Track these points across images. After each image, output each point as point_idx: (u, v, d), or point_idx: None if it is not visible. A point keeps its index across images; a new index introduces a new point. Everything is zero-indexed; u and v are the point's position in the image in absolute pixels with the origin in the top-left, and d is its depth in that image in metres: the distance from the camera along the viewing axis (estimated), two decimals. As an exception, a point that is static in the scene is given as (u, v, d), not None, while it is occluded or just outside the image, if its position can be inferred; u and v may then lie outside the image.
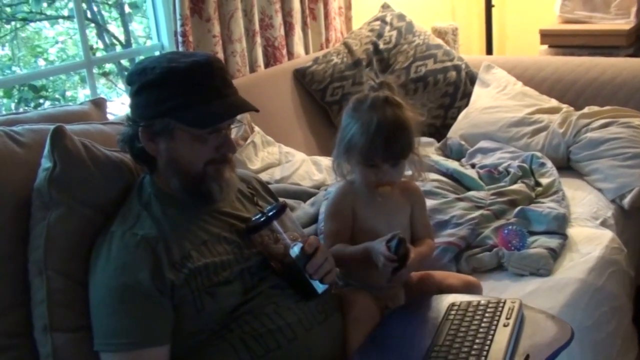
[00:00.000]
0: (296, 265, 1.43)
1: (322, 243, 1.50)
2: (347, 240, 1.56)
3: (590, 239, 2.08)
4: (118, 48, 3.89)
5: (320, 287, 1.45)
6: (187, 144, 1.40)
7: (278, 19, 2.93)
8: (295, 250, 1.43)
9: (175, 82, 1.38)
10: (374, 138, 1.46)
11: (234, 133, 1.49)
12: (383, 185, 1.51)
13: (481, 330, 1.34)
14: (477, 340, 1.30)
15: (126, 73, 1.52)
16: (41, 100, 3.57)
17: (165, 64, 1.39)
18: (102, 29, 3.82)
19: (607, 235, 2.12)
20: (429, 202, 2.04)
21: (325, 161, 2.59)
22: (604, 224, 2.22)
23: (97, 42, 3.82)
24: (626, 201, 2.33)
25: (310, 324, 1.42)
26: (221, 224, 1.47)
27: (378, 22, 3.22)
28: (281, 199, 1.68)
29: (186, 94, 1.38)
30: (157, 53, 2.77)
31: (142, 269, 1.34)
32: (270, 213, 1.46)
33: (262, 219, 1.46)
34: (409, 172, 1.58)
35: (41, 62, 3.81)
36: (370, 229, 1.56)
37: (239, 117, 1.54)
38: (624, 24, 3.57)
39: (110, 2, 3.91)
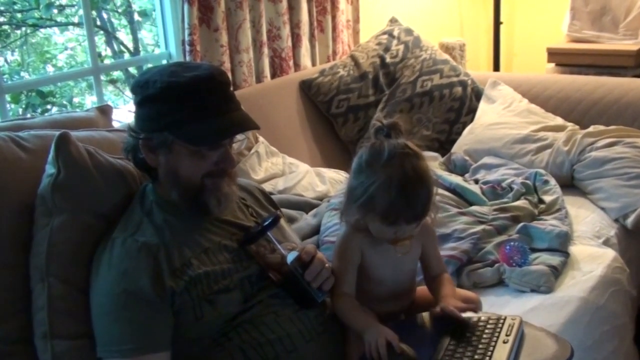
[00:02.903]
0: (294, 273, 1.42)
1: (318, 251, 1.49)
2: (354, 285, 1.50)
3: (593, 258, 2.08)
4: (126, 56, 3.91)
5: (319, 296, 1.45)
6: (185, 159, 1.41)
7: (286, 31, 2.95)
8: (292, 259, 1.43)
9: (175, 98, 1.38)
10: (395, 202, 1.36)
11: (237, 145, 1.49)
12: (402, 241, 1.45)
13: (480, 346, 1.33)
14: (476, 357, 1.30)
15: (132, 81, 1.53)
16: (48, 106, 3.58)
17: (167, 78, 1.38)
18: (111, 37, 3.84)
19: (610, 254, 2.11)
20: (431, 216, 2.04)
21: (329, 173, 2.59)
22: (606, 243, 2.21)
23: (105, 50, 3.84)
24: (629, 221, 2.32)
25: (310, 336, 1.42)
26: (222, 232, 1.48)
27: (385, 36, 3.24)
28: (278, 210, 1.68)
29: (184, 110, 1.38)
30: (164, 61, 2.79)
31: (143, 275, 1.34)
32: (265, 223, 1.46)
33: (257, 230, 1.46)
34: None
35: (50, 68, 3.83)
36: (375, 276, 1.51)
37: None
38: (632, 45, 3.57)
39: (120, 10, 3.93)
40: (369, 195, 1.39)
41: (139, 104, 1.43)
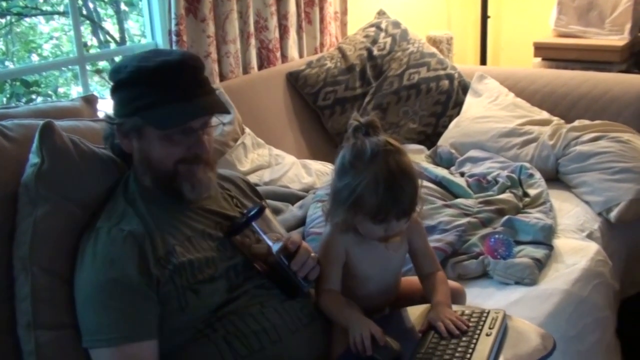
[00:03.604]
0: (280, 263, 1.43)
1: (303, 241, 1.49)
2: (339, 282, 1.51)
3: (576, 251, 2.09)
4: (112, 46, 3.89)
5: (305, 285, 1.45)
6: (156, 144, 1.41)
7: (273, 22, 2.94)
8: (277, 249, 1.43)
9: (143, 82, 1.39)
10: (384, 199, 1.37)
11: (216, 132, 1.48)
12: (392, 237, 1.45)
13: (464, 338, 1.34)
14: (459, 349, 1.31)
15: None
16: (33, 96, 3.56)
17: (137, 62, 1.40)
18: (97, 26, 3.81)
19: (593, 247, 2.13)
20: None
21: (315, 165, 2.60)
22: (590, 236, 2.23)
23: (91, 39, 3.82)
24: (613, 215, 2.35)
25: (296, 327, 1.43)
26: (206, 221, 1.48)
27: (373, 29, 3.23)
28: (263, 201, 1.68)
29: (152, 94, 1.39)
30: (150, 52, 2.77)
31: (129, 264, 1.34)
32: (250, 214, 1.46)
33: (242, 221, 1.46)
34: None
35: (35, 58, 3.80)
36: (362, 274, 1.52)
37: (220, 118, 1.52)
38: (618, 40, 3.59)
39: (106, 0, 3.91)
40: (357, 196, 1.39)
41: (113, 90, 1.45)
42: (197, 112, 1.41)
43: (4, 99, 3.43)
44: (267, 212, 1.49)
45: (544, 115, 2.86)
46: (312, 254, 1.47)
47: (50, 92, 3.72)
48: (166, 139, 1.40)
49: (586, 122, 2.70)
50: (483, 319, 1.39)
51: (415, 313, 1.49)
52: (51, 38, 3.85)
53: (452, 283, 1.62)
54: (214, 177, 1.51)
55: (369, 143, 1.40)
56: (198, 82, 1.43)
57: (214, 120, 1.47)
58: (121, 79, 1.41)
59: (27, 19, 3.71)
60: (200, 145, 1.43)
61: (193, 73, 1.42)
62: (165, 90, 1.38)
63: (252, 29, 2.85)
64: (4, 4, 3.43)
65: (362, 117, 1.46)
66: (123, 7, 3.87)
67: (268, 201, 1.94)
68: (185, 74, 1.40)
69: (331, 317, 1.46)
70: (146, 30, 2.82)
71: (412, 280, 1.63)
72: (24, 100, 3.47)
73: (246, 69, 2.88)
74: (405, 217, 1.42)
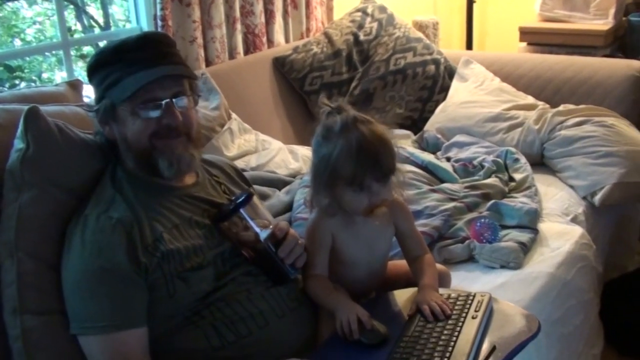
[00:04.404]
0: (267, 250, 1.43)
1: (291, 228, 1.50)
2: (326, 267, 1.51)
3: (561, 234, 2.11)
4: (97, 31, 3.85)
5: (292, 272, 1.46)
6: (128, 122, 1.42)
7: (259, 7, 2.92)
8: (265, 236, 1.43)
9: (106, 62, 1.42)
10: (360, 159, 1.38)
11: (183, 102, 1.45)
12: (378, 207, 1.46)
13: (450, 322, 1.35)
14: (445, 332, 1.32)
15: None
16: (16, 81, 3.52)
17: (112, 44, 1.43)
18: (81, 11, 3.77)
19: (577, 231, 2.15)
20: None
21: (302, 150, 2.59)
22: (574, 220, 2.25)
23: (75, 24, 3.78)
24: (597, 198, 2.36)
25: (283, 312, 1.43)
26: (193, 208, 1.47)
27: (359, 13, 3.23)
28: (251, 187, 1.68)
29: (116, 71, 1.40)
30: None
31: (118, 251, 1.34)
32: (238, 201, 1.46)
33: (229, 208, 1.46)
34: None
35: (18, 43, 3.76)
36: (349, 258, 1.53)
37: (196, 91, 1.50)
38: (602, 25, 3.60)
39: (90, -16, 3.86)
40: (333, 165, 1.40)
41: (89, 77, 1.47)
42: (154, 74, 1.39)
43: (-13, 85, 3.39)
44: (255, 199, 1.49)
45: (530, 100, 2.87)
46: (300, 241, 1.47)
47: (34, 78, 3.68)
48: (135, 114, 1.40)
49: (571, 106, 2.72)
50: (469, 302, 1.41)
51: (402, 297, 1.50)
52: (34, 23, 3.80)
53: (438, 266, 1.63)
54: (198, 155, 1.50)
55: (339, 117, 1.44)
56: (163, 53, 1.43)
57: (187, 91, 1.46)
58: (90, 65, 1.44)
59: (10, 3, 3.66)
60: (172, 116, 1.42)
61: (156, 46, 1.43)
62: (128, 65, 1.40)
63: (237, 13, 2.83)
64: (-14, -12, 3.39)
65: (331, 101, 1.49)
66: (107, -9, 3.82)
67: (255, 186, 1.94)
68: (147, 47, 1.42)
69: (318, 301, 1.47)
70: (131, 15, 2.79)
71: (397, 264, 1.64)
72: (7, 85, 3.43)
73: (232, 54, 2.86)
74: (383, 178, 1.42)
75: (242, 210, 1.45)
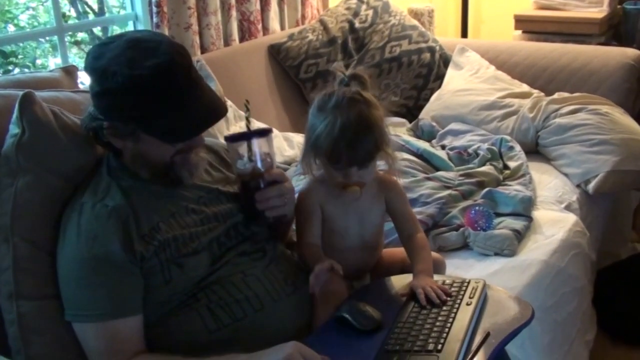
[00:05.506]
0: (248, 186, 1.46)
1: (289, 180, 1.51)
2: (318, 236, 1.53)
3: (555, 222, 2.12)
4: (91, 17, 3.83)
5: (262, 217, 1.47)
6: (154, 146, 1.38)
7: (254, -7, 2.91)
8: (250, 170, 1.45)
9: (137, 92, 1.32)
10: (338, 141, 1.40)
11: None
12: (351, 186, 1.46)
13: (444, 308, 1.36)
14: (439, 318, 1.33)
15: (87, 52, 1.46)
16: (10, 67, 3.50)
17: (127, 70, 1.31)
18: (75, -3, 3.75)
19: (571, 218, 2.16)
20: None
21: (297, 137, 2.60)
22: (568, 207, 2.26)
23: (69, 10, 3.75)
24: (591, 186, 2.37)
25: (279, 295, 1.43)
26: (189, 196, 1.47)
27: (354, 1, 3.22)
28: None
29: (149, 104, 1.33)
30: (130, 23, 2.74)
31: (113, 240, 1.33)
32: (254, 130, 1.47)
33: (243, 133, 1.47)
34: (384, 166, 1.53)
35: (11, 28, 3.73)
36: (341, 229, 1.54)
37: None
38: (597, 13, 3.60)
39: (83, -30, 3.84)
40: (316, 136, 1.44)
41: (98, 94, 1.37)
42: (202, 124, 1.39)
43: (-20, 70, 3.37)
44: (272, 137, 1.50)
45: (524, 88, 2.88)
46: (285, 196, 1.47)
47: (28, 64, 3.67)
48: (167, 143, 1.39)
49: (565, 94, 2.73)
50: (463, 288, 1.41)
51: (397, 284, 1.51)
52: (27, 8, 3.78)
53: (433, 254, 1.64)
54: (205, 154, 1.52)
55: (337, 91, 1.45)
56: (192, 82, 1.38)
57: None
58: (111, 88, 1.33)
59: (3, -11, 3.64)
60: (198, 139, 1.44)
61: (185, 73, 1.36)
62: (162, 100, 1.34)
63: (233, 0, 2.82)
64: (-22, -27, 3.36)
65: (348, 69, 1.50)
66: (101, -23, 3.80)
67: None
68: (178, 77, 1.34)
69: (309, 268, 1.48)
70: (125, 1, 2.78)
71: (392, 251, 1.65)
72: (1, 71, 3.42)
73: (227, 41, 2.85)
74: (357, 165, 1.43)
75: (254, 140, 1.46)
